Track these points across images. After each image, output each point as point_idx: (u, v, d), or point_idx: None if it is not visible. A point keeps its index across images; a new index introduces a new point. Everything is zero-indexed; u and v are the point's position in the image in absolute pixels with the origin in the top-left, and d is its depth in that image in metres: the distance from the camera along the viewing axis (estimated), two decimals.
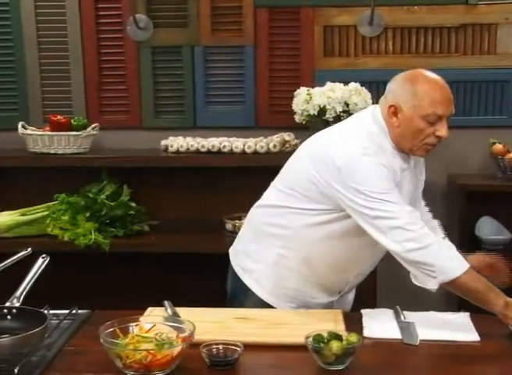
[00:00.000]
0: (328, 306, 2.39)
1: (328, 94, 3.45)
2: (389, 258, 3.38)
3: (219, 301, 2.42)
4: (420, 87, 2.21)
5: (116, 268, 3.64)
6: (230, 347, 1.88)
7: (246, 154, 3.57)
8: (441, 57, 3.81)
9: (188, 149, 3.62)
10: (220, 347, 1.89)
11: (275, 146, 3.55)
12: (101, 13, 3.86)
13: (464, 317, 2.19)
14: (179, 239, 3.54)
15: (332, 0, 3.80)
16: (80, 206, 3.53)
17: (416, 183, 2.40)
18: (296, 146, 3.59)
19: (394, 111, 2.23)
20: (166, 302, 2.25)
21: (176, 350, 1.80)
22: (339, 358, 1.82)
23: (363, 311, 2.24)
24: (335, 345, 1.83)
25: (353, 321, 2.14)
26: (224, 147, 3.57)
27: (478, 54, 3.80)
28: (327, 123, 3.45)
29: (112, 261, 3.48)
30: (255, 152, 3.56)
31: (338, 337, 1.87)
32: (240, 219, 3.59)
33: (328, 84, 3.55)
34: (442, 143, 3.71)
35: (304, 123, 3.57)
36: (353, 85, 3.53)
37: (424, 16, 3.78)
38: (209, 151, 3.60)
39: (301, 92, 3.56)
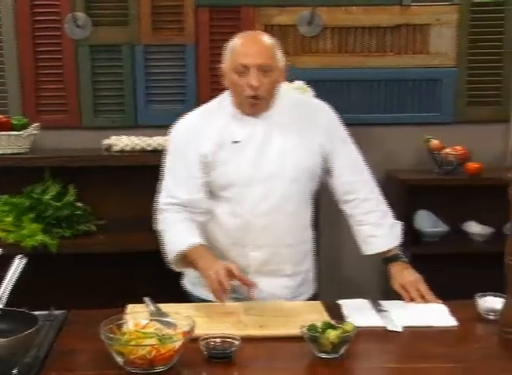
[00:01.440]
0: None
1: None
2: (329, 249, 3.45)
3: (175, 297, 2.40)
4: (231, 43, 2.35)
5: (65, 269, 3.57)
6: (228, 340, 1.91)
7: None
8: (377, 56, 3.93)
9: (133, 148, 3.61)
10: (218, 340, 1.91)
11: None
12: (38, 10, 3.79)
13: (438, 305, 2.28)
14: (128, 238, 3.52)
15: (271, 0, 3.86)
16: (24, 207, 3.46)
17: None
18: None
19: (223, 73, 2.37)
20: (147, 299, 2.24)
21: (178, 344, 1.81)
22: (336, 347, 1.88)
23: (340, 301, 2.30)
24: (332, 334, 1.88)
25: (333, 311, 2.20)
26: (167, 148, 3.56)
27: (412, 53, 3.95)
28: None
29: (60, 262, 3.43)
30: None
31: (332, 327, 1.93)
32: None
33: None
34: (379, 139, 3.87)
35: None
36: (298, 83, 3.60)
37: (360, 17, 3.90)
38: (155, 150, 3.59)
39: None
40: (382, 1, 3.90)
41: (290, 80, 3.64)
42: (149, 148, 3.59)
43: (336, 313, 2.18)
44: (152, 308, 2.19)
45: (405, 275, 2.36)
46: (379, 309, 2.22)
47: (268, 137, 2.36)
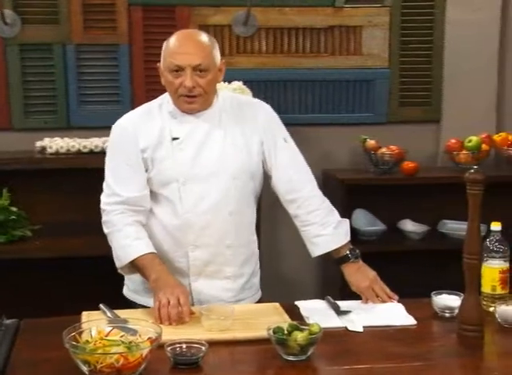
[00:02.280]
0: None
1: None
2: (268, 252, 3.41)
3: (115, 302, 2.35)
4: (166, 44, 2.32)
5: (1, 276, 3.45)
6: (194, 345, 1.87)
7: None
8: (311, 57, 3.96)
9: (69, 150, 3.52)
10: (184, 346, 1.87)
11: None
12: None
13: (395, 304, 2.31)
14: (65, 243, 3.44)
15: (206, 0, 3.83)
16: None
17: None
18: None
19: (160, 72, 2.35)
20: (102, 306, 2.18)
21: (146, 352, 1.77)
22: (303, 349, 1.87)
23: (297, 303, 2.29)
24: (299, 336, 1.87)
25: (292, 313, 2.19)
26: (107, 147, 3.49)
27: (345, 54, 4.00)
28: None
29: None
30: None
31: (298, 329, 1.92)
32: None
33: None
34: (315, 139, 3.90)
35: None
36: (237, 83, 3.59)
37: (294, 18, 3.92)
38: (91, 152, 3.52)
39: None
40: (316, 3, 3.93)
41: (227, 80, 3.63)
42: (85, 150, 3.51)
43: (295, 315, 2.17)
44: (109, 314, 2.13)
45: (358, 279, 2.35)
46: (338, 310, 2.22)
47: (208, 135, 2.34)
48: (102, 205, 2.36)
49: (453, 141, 3.83)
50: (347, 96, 4.01)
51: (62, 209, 3.62)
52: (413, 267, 3.77)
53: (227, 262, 2.40)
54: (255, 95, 3.62)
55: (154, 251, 2.27)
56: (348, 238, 2.43)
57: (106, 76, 3.82)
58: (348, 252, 2.40)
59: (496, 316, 2.13)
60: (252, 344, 1.98)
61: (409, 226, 3.81)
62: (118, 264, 2.31)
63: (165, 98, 2.39)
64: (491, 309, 2.17)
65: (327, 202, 2.46)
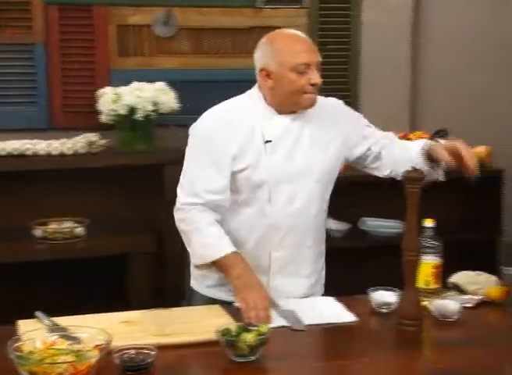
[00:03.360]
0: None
1: (137, 93, 3.45)
2: None
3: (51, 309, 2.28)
4: (279, 45, 2.30)
5: None
6: (143, 351, 1.85)
7: (52, 156, 3.43)
8: (233, 57, 3.97)
9: None
10: (132, 351, 1.84)
11: (82, 147, 3.45)
12: None
13: (331, 301, 2.34)
14: None
15: None
16: None
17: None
18: (102, 146, 3.54)
19: (266, 73, 2.31)
20: (39, 313, 2.12)
21: (94, 360, 1.73)
22: (253, 350, 1.87)
23: (236, 303, 2.29)
24: (248, 337, 1.87)
25: (235, 313, 2.19)
26: (27, 150, 3.41)
27: None
28: (136, 123, 3.46)
29: None
30: (62, 154, 3.44)
31: (246, 330, 1.92)
32: (47, 224, 3.46)
33: (136, 84, 3.54)
34: None
35: (111, 123, 3.52)
36: (160, 84, 3.56)
37: (216, 18, 3.92)
38: (10, 155, 3.41)
39: (107, 92, 3.51)
40: (236, 3, 3.94)
41: (150, 80, 3.60)
42: (3, 153, 3.41)
43: (237, 316, 2.16)
44: (47, 322, 2.07)
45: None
46: (280, 309, 2.23)
47: (298, 137, 2.35)
48: (180, 205, 2.32)
49: None
50: None
51: None
52: (336, 265, 3.81)
53: (305, 261, 2.43)
54: (178, 96, 3.60)
55: (236, 249, 2.27)
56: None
57: (22, 77, 3.73)
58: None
59: (432, 309, 2.19)
60: (200, 346, 1.96)
61: (331, 224, 3.86)
62: (198, 261, 2.31)
63: (253, 98, 2.38)
64: (425, 303, 2.23)
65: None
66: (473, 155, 2.28)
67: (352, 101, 4.12)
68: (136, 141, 3.51)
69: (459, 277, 2.43)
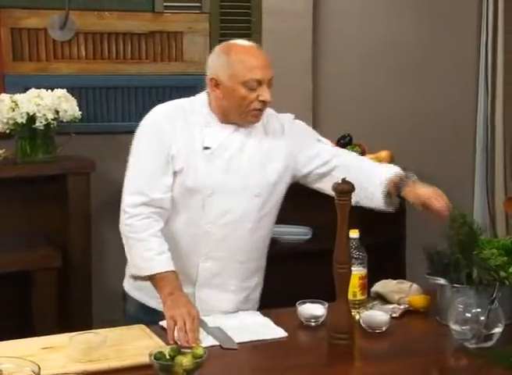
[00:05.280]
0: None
1: (37, 101, 3.29)
2: None
3: None
4: (234, 57, 2.26)
5: None
6: None
7: None
8: (132, 63, 3.86)
9: None
10: None
11: None
12: None
13: (258, 315, 2.30)
14: None
15: (19, 1, 3.60)
16: None
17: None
18: (0, 156, 3.37)
19: (215, 83, 2.29)
20: None
21: None
22: (189, 374, 1.81)
23: (162, 323, 2.21)
24: (185, 360, 1.80)
25: (160, 334, 2.11)
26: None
27: (167, 60, 3.94)
28: (35, 132, 3.31)
29: None
30: None
31: (180, 353, 1.85)
32: None
33: (34, 91, 3.37)
34: None
35: (8, 131, 3.34)
36: (61, 91, 3.41)
37: (114, 22, 3.80)
38: None
39: (4, 99, 3.32)
40: (135, 7, 3.84)
41: (49, 87, 3.45)
42: None
43: (163, 336, 2.10)
44: None
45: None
46: (207, 327, 2.17)
47: (239, 149, 2.32)
48: (125, 207, 2.26)
49: None
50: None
51: None
52: None
53: (233, 276, 2.38)
54: (79, 103, 3.47)
55: (174, 268, 2.21)
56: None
57: None
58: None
59: (361, 321, 2.19)
60: (131, 371, 1.88)
61: None
62: (135, 272, 2.27)
63: (198, 103, 2.36)
64: (354, 315, 2.23)
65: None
66: (446, 204, 2.27)
67: None
68: (37, 150, 3.34)
69: (381, 286, 2.45)
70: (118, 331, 2.16)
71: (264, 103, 2.28)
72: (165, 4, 3.87)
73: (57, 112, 3.32)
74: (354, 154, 2.60)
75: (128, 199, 2.26)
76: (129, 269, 2.31)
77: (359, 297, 2.32)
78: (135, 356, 1.92)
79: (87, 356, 1.92)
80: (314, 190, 3.86)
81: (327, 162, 2.44)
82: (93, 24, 3.77)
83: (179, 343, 2.02)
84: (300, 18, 4.13)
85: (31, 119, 3.28)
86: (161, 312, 2.21)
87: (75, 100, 3.45)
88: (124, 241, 2.29)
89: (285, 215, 3.92)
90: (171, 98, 3.89)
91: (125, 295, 2.48)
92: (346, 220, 2.05)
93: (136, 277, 2.28)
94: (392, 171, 2.39)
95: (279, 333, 2.16)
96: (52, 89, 3.43)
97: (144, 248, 2.23)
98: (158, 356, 1.83)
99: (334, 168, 2.43)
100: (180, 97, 3.86)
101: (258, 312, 2.33)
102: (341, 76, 4.24)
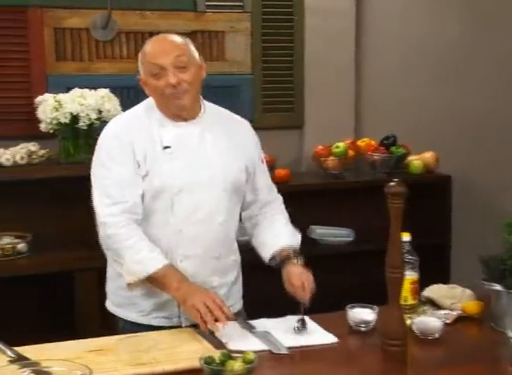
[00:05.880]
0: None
1: (80, 101, 3.27)
2: None
3: None
4: (143, 50, 2.30)
5: None
6: None
7: None
8: None
9: None
10: None
11: (22, 158, 3.26)
12: None
13: (307, 320, 2.25)
14: None
15: (61, 1, 3.60)
16: None
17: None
18: (43, 157, 3.36)
19: (143, 82, 2.31)
20: (0, 344, 1.96)
21: None
22: None
23: (210, 325, 2.17)
24: (236, 365, 1.77)
25: (208, 337, 2.08)
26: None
27: (209, 60, 3.89)
28: (78, 132, 3.30)
29: None
30: (0, 166, 3.24)
31: (230, 357, 1.82)
32: None
33: (77, 91, 3.36)
34: None
35: (52, 131, 3.33)
36: (104, 91, 3.39)
37: (156, 22, 3.77)
38: None
39: (47, 99, 3.32)
40: (177, 7, 3.81)
41: (92, 87, 3.44)
42: None
43: (212, 339, 2.06)
44: (10, 354, 1.91)
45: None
46: (255, 331, 2.13)
47: (199, 144, 2.30)
48: (103, 218, 2.23)
49: (321, 147, 3.85)
50: (212, 102, 3.90)
51: None
52: None
53: (214, 272, 2.35)
54: (122, 102, 3.46)
55: (168, 261, 2.21)
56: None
57: None
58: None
59: (413, 327, 2.14)
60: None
61: None
62: (131, 279, 2.21)
63: (150, 106, 2.34)
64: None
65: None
66: (305, 284, 2.28)
67: (296, 107, 4.08)
68: (80, 150, 3.33)
69: (432, 291, 2.39)
70: (165, 334, 2.13)
71: (175, 86, 2.23)
72: (207, 3, 3.84)
73: (100, 111, 3.30)
74: (279, 204, 2.56)
75: (105, 211, 2.23)
76: (127, 280, 2.24)
77: (410, 302, 2.27)
78: (185, 360, 1.89)
79: (137, 359, 1.90)
80: (357, 192, 3.87)
81: (256, 202, 2.47)
82: (135, 24, 3.75)
83: (215, 331, 2.03)
84: (343, 16, 4.07)
85: (74, 119, 3.27)
86: (143, 325, 2.27)
87: (117, 100, 3.43)
88: (109, 254, 2.28)
89: (327, 217, 3.92)
90: (212, 98, 3.91)
91: (112, 316, 2.43)
92: (399, 223, 2.00)
93: (133, 285, 2.23)
94: (289, 242, 2.42)
95: (330, 338, 2.11)
96: (94, 89, 3.42)
97: (134, 252, 2.20)
98: (208, 361, 1.80)
99: (256, 209, 2.49)
100: (222, 96, 3.87)
101: (306, 317, 2.27)
102: (384, 75, 4.18)
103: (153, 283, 2.21)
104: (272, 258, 2.41)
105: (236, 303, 2.44)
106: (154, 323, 2.31)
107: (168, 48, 2.24)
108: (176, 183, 2.25)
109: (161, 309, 2.31)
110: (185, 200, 2.26)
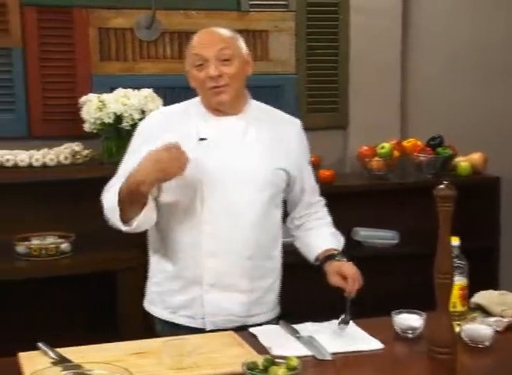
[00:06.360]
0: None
1: (124, 101, 3.27)
2: None
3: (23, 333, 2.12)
4: (190, 42, 2.28)
5: None
6: None
7: (33, 168, 3.23)
8: None
9: None
10: None
11: (66, 158, 3.26)
12: None
13: (351, 325, 2.20)
14: None
15: (106, 1, 3.60)
16: None
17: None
18: (87, 157, 3.36)
19: (187, 74, 2.29)
20: (42, 345, 1.95)
21: None
22: None
23: (253, 330, 2.14)
24: (280, 372, 1.73)
25: (251, 341, 2.05)
26: (7, 160, 3.21)
27: (253, 60, 3.83)
28: (122, 132, 3.29)
29: None
30: (44, 166, 3.25)
31: (274, 363, 1.78)
32: (29, 240, 3.27)
33: (121, 91, 3.36)
34: None
35: (95, 131, 3.33)
36: (147, 91, 3.39)
37: (200, 21, 3.75)
38: None
39: (91, 99, 3.32)
40: (221, 6, 3.79)
41: (135, 87, 3.43)
42: None
43: (254, 344, 2.02)
44: (53, 355, 1.90)
45: None
46: (298, 336, 2.09)
47: (238, 140, 2.26)
48: (102, 198, 2.24)
49: (365, 147, 3.80)
50: None
51: None
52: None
53: (243, 274, 2.27)
54: (165, 103, 3.44)
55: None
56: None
57: None
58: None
59: (462, 334, 2.07)
60: None
61: None
62: (115, 218, 2.15)
63: (194, 102, 2.34)
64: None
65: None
66: (357, 279, 2.24)
67: (341, 107, 4.03)
68: (122, 150, 3.29)
69: (482, 297, 2.33)
70: (207, 338, 2.09)
71: (215, 79, 2.19)
72: (251, 2, 3.81)
73: (143, 112, 3.29)
74: (322, 206, 2.53)
75: (104, 193, 2.24)
76: (113, 218, 2.18)
77: (459, 308, 2.20)
78: (227, 365, 1.85)
79: (178, 364, 1.87)
80: (402, 194, 3.80)
81: (300, 203, 2.44)
82: (179, 23, 3.74)
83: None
84: (389, 15, 4.01)
85: (118, 119, 3.27)
86: (170, 323, 2.27)
87: (161, 100, 3.42)
88: (107, 213, 2.22)
89: (371, 218, 3.86)
90: (255, 98, 3.89)
91: (149, 315, 2.41)
92: (448, 227, 1.93)
93: (125, 224, 2.17)
94: (334, 244, 2.38)
95: (375, 344, 2.06)
96: (138, 89, 3.42)
97: (109, 194, 2.20)
98: (251, 366, 1.76)
99: (300, 210, 2.46)
100: (265, 96, 3.80)
101: (350, 321, 2.22)
102: (431, 74, 4.11)
103: (129, 197, 2.11)
104: (317, 259, 2.37)
105: (269, 311, 2.37)
106: (181, 321, 2.29)
107: (214, 39, 2.22)
108: (207, 176, 2.20)
109: (187, 307, 2.28)
110: (217, 194, 2.21)
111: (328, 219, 2.49)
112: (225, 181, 2.21)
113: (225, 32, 2.25)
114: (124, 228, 2.17)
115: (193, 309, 2.26)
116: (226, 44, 2.21)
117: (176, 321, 2.30)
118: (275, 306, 2.41)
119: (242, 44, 2.28)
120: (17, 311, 3.31)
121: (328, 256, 2.32)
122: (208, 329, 2.24)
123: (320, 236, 2.40)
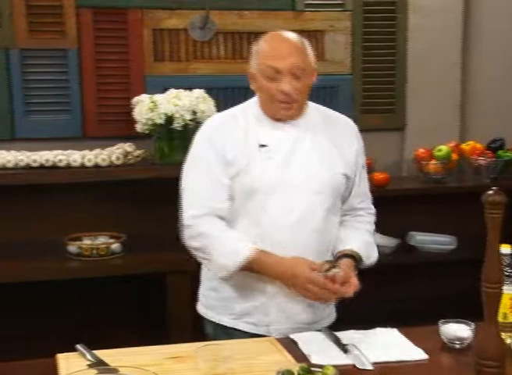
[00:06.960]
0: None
1: (175, 101, 3.26)
2: None
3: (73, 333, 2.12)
4: (259, 46, 2.19)
5: None
6: None
7: (86, 168, 3.25)
8: None
9: (17, 164, 3.23)
10: None
11: (118, 158, 3.27)
12: None
13: (395, 333, 2.14)
14: (16, 266, 3.14)
15: (160, 2, 3.60)
16: None
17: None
18: (138, 157, 3.36)
19: (250, 76, 2.22)
20: (80, 347, 1.95)
21: None
22: None
23: (293, 336, 2.10)
24: None
25: (291, 348, 2.00)
26: (60, 161, 3.23)
27: None
28: (173, 132, 3.28)
29: None
30: (96, 166, 3.26)
31: (310, 372, 1.73)
32: (80, 239, 3.29)
33: (172, 91, 3.35)
34: None
35: (147, 132, 3.33)
36: (199, 92, 3.37)
37: (254, 21, 3.73)
38: (42, 167, 3.24)
39: (143, 99, 3.32)
40: (276, 6, 3.75)
41: (187, 87, 3.42)
42: (35, 165, 3.23)
43: (294, 350, 1.98)
44: (90, 357, 1.89)
45: None
46: (340, 344, 2.04)
47: (297, 145, 2.21)
48: (187, 220, 2.19)
49: (422, 150, 3.71)
50: None
51: (11, 229, 3.34)
52: (382, 282, 3.60)
53: None
54: (217, 103, 3.42)
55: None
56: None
57: (54, 84, 3.54)
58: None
59: None
60: None
61: (378, 239, 3.65)
62: (224, 273, 2.17)
63: (250, 105, 2.28)
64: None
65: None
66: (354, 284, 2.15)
67: (398, 108, 3.94)
68: (174, 151, 3.32)
69: None
70: (247, 344, 2.06)
71: (287, 95, 2.13)
72: (306, 2, 3.77)
73: (194, 112, 3.27)
74: (368, 213, 2.42)
75: (189, 212, 2.19)
76: (220, 276, 2.19)
77: (510, 319, 2.10)
78: (264, 372, 1.81)
79: (213, 369, 1.83)
80: (460, 198, 3.69)
81: (345, 204, 2.35)
82: (233, 24, 3.71)
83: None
84: (449, 14, 3.91)
85: (169, 119, 3.26)
86: (231, 329, 2.23)
87: (212, 100, 3.41)
88: (197, 254, 2.22)
89: (427, 223, 3.76)
90: (310, 99, 3.83)
91: (201, 319, 2.38)
92: (497, 235, 1.85)
93: (228, 278, 2.19)
94: (361, 252, 2.27)
95: (419, 354, 1.98)
96: (191, 89, 3.41)
97: (221, 245, 2.14)
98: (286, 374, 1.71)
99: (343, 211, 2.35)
100: (320, 97, 3.77)
101: (395, 330, 2.15)
102: (492, 75, 3.98)
103: (249, 269, 2.14)
104: (335, 254, 2.28)
105: (330, 316, 2.34)
106: (242, 327, 2.25)
107: (287, 51, 2.14)
108: (269, 182, 2.17)
109: (252, 314, 2.24)
110: (277, 201, 2.18)
111: (370, 227, 2.40)
112: (285, 188, 2.18)
113: (296, 40, 2.18)
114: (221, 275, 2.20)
115: (257, 316, 2.23)
116: (299, 58, 2.14)
117: (237, 327, 2.26)
118: (330, 314, 2.37)
119: (310, 51, 2.22)
120: (67, 310, 3.34)
121: (344, 255, 2.23)
122: (274, 335, 2.17)
123: (353, 237, 2.30)
